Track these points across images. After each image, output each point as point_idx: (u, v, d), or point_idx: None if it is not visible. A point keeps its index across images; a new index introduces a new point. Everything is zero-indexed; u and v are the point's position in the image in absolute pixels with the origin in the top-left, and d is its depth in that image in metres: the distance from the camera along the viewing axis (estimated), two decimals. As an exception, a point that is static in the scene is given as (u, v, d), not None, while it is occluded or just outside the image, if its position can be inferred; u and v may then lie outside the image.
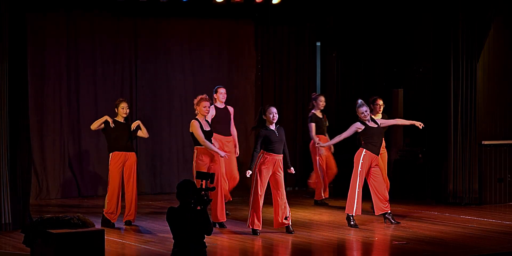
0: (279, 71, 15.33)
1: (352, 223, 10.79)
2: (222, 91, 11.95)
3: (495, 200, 13.04)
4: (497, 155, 13.05)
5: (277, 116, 10.17)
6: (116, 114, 11.05)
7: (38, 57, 13.46)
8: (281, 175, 10.21)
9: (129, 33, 14.23)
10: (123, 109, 10.99)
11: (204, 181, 6.77)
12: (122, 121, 11.04)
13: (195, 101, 10.81)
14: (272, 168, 10.14)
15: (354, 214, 10.78)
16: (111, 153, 10.94)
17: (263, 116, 10.18)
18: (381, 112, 12.10)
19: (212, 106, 11.63)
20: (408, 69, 13.76)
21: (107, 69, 14.10)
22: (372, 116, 11.19)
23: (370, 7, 14.03)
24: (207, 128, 10.72)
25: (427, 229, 10.66)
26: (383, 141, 11.62)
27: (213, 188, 6.81)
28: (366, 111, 10.83)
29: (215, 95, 11.95)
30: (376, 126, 10.93)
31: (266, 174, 10.12)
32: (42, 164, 13.63)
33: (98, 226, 9.57)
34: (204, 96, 10.78)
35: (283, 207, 10.21)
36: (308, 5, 14.70)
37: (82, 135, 13.83)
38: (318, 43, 15.89)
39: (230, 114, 12.02)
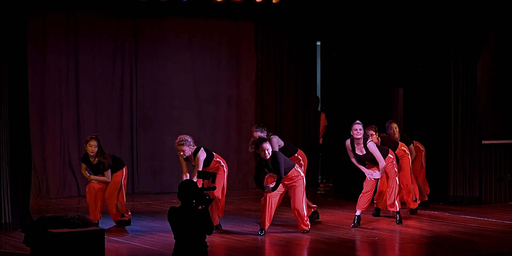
0: (279, 71, 15.31)
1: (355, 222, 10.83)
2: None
3: (495, 200, 13.03)
4: (497, 154, 13.04)
5: (270, 152, 9.92)
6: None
7: (38, 57, 13.45)
8: (296, 184, 10.14)
9: (129, 32, 14.22)
10: (90, 147, 10.63)
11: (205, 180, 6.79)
12: (92, 160, 10.72)
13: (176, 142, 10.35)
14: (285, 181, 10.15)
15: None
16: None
17: (256, 151, 9.99)
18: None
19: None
20: (408, 68, 13.75)
21: (107, 69, 14.09)
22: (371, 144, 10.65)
23: (370, 7, 14.01)
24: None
25: (427, 229, 10.65)
26: (404, 148, 11.62)
27: (214, 188, 6.82)
28: (359, 129, 10.58)
29: None
30: (361, 154, 10.69)
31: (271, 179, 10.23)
32: (42, 164, 13.62)
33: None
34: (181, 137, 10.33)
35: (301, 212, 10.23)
36: (308, 5, 14.69)
37: (82, 135, 13.80)
38: (318, 43, 15.89)
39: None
